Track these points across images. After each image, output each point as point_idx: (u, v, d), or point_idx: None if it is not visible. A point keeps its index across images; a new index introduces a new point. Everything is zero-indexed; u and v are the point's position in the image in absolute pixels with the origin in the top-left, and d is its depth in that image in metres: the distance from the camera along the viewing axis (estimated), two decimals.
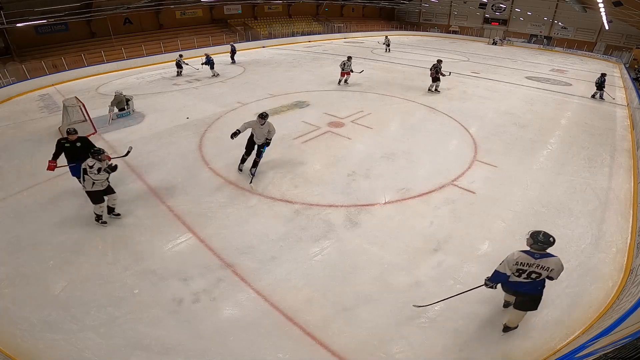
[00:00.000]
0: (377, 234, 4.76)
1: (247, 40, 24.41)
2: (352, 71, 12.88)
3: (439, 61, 11.84)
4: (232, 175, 6.29)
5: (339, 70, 13.05)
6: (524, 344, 3.25)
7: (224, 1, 25.23)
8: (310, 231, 4.81)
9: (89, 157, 4.52)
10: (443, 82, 12.32)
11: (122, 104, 9.53)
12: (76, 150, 5.19)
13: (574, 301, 3.72)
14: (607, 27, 26.15)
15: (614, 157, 7.45)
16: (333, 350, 3.18)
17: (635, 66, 22.41)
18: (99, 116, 9.39)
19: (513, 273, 2.99)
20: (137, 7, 19.71)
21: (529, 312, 3.23)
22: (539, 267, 2.90)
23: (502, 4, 32.76)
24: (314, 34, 29.49)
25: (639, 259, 4.02)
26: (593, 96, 12.55)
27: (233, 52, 18.31)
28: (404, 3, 38.48)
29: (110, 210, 5.04)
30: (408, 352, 3.18)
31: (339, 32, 31.49)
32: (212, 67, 14.60)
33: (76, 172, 5.18)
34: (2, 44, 16.20)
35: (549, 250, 2.92)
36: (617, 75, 19.08)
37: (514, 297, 3.26)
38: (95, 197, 4.70)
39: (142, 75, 15.72)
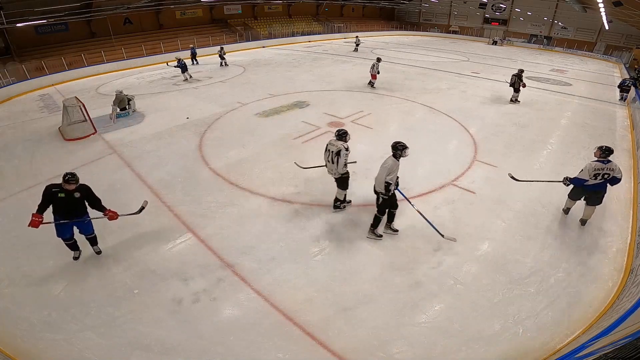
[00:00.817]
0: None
1: (247, 40, 24.42)
2: (378, 73, 12.61)
3: (521, 71, 11.33)
4: (232, 175, 6.29)
5: (337, 71, 13.01)
6: (524, 344, 3.25)
7: (224, 1, 25.24)
8: (310, 231, 4.81)
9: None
10: (443, 82, 12.30)
11: (123, 103, 9.54)
12: (73, 203, 3.84)
13: (574, 301, 3.72)
14: (607, 27, 26.16)
15: (614, 157, 7.42)
16: (333, 350, 3.18)
17: (635, 66, 22.40)
18: (99, 116, 9.40)
19: (591, 177, 4.48)
20: (137, 7, 19.73)
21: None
22: (608, 169, 4.44)
23: (502, 4, 32.77)
24: (314, 34, 29.52)
25: (639, 259, 4.02)
26: (622, 99, 12.53)
27: (193, 55, 17.52)
28: (404, 3, 38.49)
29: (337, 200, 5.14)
30: (408, 352, 3.18)
31: (339, 32, 31.49)
32: (183, 71, 14.07)
33: (66, 232, 3.97)
34: (2, 44, 16.21)
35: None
36: (617, 76, 19.08)
37: (575, 203, 5.00)
38: (346, 182, 4.90)
39: (142, 75, 15.74)
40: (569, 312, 3.59)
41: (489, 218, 5.16)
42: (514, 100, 11.49)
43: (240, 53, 22.26)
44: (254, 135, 8.14)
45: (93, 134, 8.29)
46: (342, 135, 4.66)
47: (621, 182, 4.65)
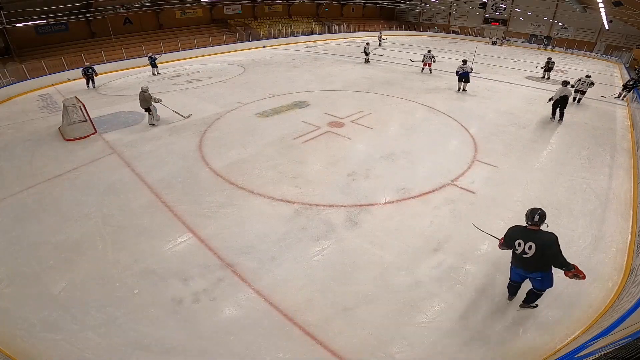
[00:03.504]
0: (377, 234, 4.76)
1: (247, 40, 24.42)
2: (435, 61, 15.47)
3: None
4: (232, 175, 6.29)
5: (337, 71, 13.07)
6: (524, 344, 3.25)
7: (224, 1, 25.23)
8: (310, 231, 4.81)
9: None
10: (443, 82, 12.31)
11: (146, 104, 8.77)
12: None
13: (574, 301, 3.72)
14: (607, 27, 26.14)
15: (614, 157, 7.45)
16: (333, 350, 3.18)
17: (635, 66, 22.39)
18: (99, 116, 9.40)
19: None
20: (137, 7, 19.71)
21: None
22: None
23: (502, 4, 32.76)
24: (314, 34, 29.50)
25: (639, 259, 4.02)
26: (619, 97, 12.83)
27: (152, 63, 15.75)
28: (404, 3, 38.47)
29: None
30: (408, 352, 3.18)
31: (339, 32, 31.49)
32: (153, 66, 15.55)
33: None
34: (2, 44, 16.21)
35: None
36: (617, 76, 19.08)
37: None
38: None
39: (142, 75, 15.73)
40: (569, 312, 3.59)
41: (489, 218, 5.16)
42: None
43: (240, 53, 22.26)
44: (254, 135, 8.14)
45: (93, 134, 8.30)
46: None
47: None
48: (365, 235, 4.73)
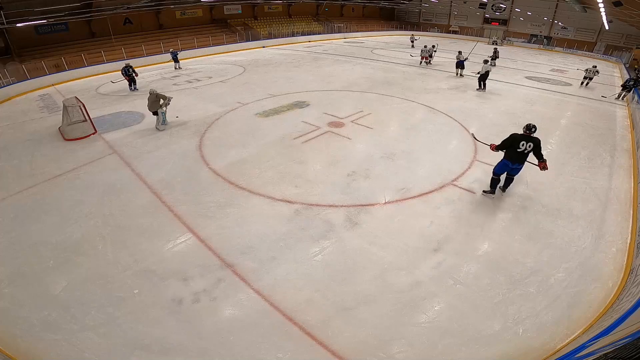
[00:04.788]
0: (377, 234, 4.76)
1: (247, 40, 24.43)
2: (432, 55, 17.99)
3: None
4: (232, 176, 6.29)
5: (337, 71, 13.10)
6: (524, 344, 3.25)
7: (224, 1, 25.24)
8: (310, 231, 4.81)
9: None
10: (443, 82, 12.33)
11: (155, 107, 8.56)
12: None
13: (574, 301, 3.72)
14: (607, 27, 26.15)
15: (614, 157, 7.45)
16: (333, 350, 3.18)
17: (635, 66, 22.39)
18: (99, 116, 9.41)
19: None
20: (137, 7, 19.72)
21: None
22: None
23: (502, 4, 32.77)
24: (314, 34, 29.51)
25: (639, 259, 4.02)
26: (619, 97, 12.87)
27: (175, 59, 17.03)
28: (404, 3, 38.49)
29: None
30: (408, 352, 3.18)
31: (339, 32, 31.50)
32: (175, 61, 16.89)
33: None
34: (2, 44, 16.22)
35: None
36: (617, 76, 19.08)
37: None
38: None
39: (142, 75, 15.72)
40: (569, 312, 3.59)
41: (489, 218, 5.16)
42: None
43: (240, 53, 22.27)
44: (254, 135, 8.14)
45: (93, 134, 8.30)
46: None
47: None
48: (365, 236, 4.73)
